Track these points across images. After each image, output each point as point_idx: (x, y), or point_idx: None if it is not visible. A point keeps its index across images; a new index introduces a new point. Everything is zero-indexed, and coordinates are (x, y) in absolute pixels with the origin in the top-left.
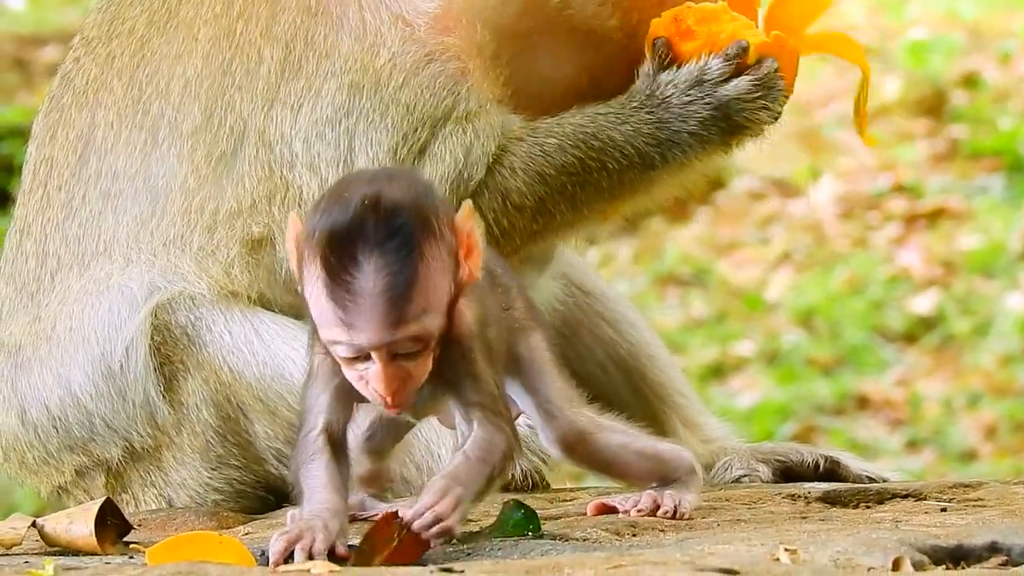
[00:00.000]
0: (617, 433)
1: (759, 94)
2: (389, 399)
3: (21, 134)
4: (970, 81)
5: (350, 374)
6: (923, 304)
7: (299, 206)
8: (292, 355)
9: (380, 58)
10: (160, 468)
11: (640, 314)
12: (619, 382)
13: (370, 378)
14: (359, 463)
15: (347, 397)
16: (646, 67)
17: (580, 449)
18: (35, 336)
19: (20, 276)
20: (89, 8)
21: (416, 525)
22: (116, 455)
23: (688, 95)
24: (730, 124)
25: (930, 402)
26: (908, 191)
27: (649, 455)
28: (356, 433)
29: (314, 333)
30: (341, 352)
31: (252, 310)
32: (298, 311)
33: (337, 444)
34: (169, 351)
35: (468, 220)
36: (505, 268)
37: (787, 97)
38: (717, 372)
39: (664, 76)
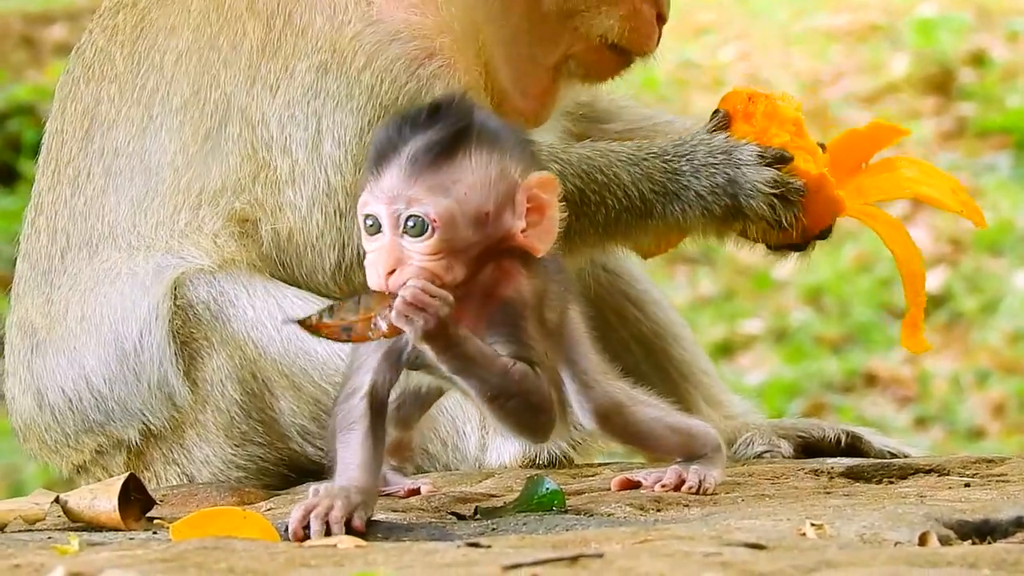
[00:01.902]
0: (650, 407)
1: (774, 193)
2: (382, 277)
3: (29, 112)
4: (978, 59)
5: (368, 254)
6: (931, 282)
7: (277, 188)
8: None
9: (345, 36)
10: (183, 446)
11: (663, 294)
12: (642, 360)
13: (375, 256)
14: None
15: (397, 360)
16: (699, 127)
17: (615, 420)
18: (49, 319)
19: (34, 253)
20: None
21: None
22: (134, 436)
23: (712, 158)
24: (735, 204)
25: (938, 380)
26: None
27: (680, 430)
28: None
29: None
30: (361, 221)
31: (275, 284)
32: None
33: (379, 409)
34: (192, 329)
35: (546, 187)
36: None
37: (798, 222)
38: (726, 350)
39: (702, 135)
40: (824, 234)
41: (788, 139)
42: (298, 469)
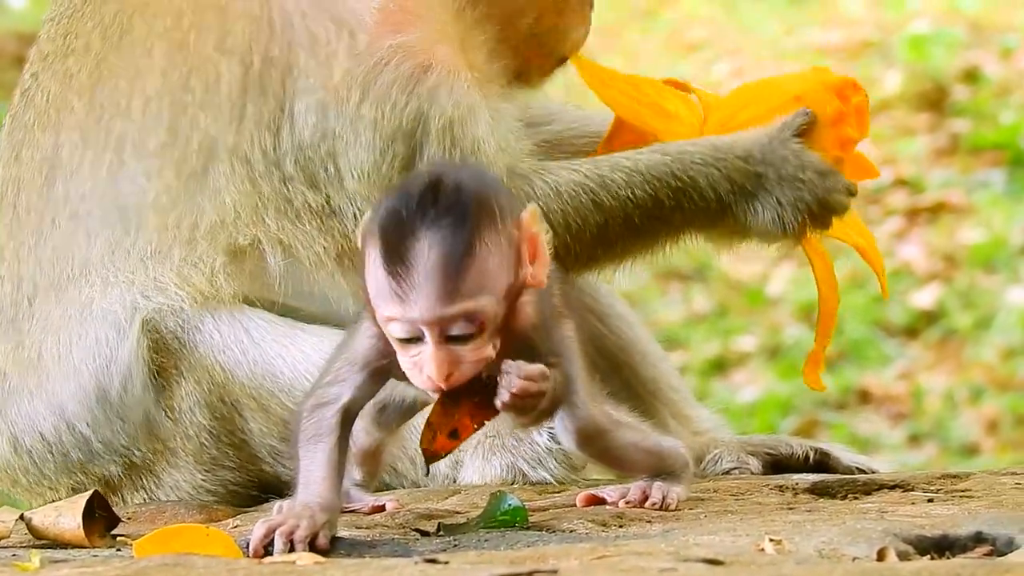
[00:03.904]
0: (630, 431)
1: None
2: (442, 384)
3: None
4: (971, 75)
5: (404, 361)
6: (925, 298)
7: (303, 220)
8: (282, 352)
9: (336, 74)
10: (152, 472)
11: (630, 308)
12: (609, 376)
13: (423, 362)
14: (365, 433)
15: (380, 380)
16: (781, 124)
17: (595, 444)
18: (20, 364)
19: None
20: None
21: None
22: (116, 471)
23: (802, 173)
24: (805, 224)
25: (932, 396)
26: (909, 185)
27: (653, 452)
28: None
29: (371, 316)
30: (396, 331)
31: (240, 309)
32: (287, 311)
33: (348, 423)
34: (162, 360)
35: (535, 222)
36: None
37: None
38: (719, 367)
39: (794, 144)
40: None
41: (857, 137)
42: (269, 490)
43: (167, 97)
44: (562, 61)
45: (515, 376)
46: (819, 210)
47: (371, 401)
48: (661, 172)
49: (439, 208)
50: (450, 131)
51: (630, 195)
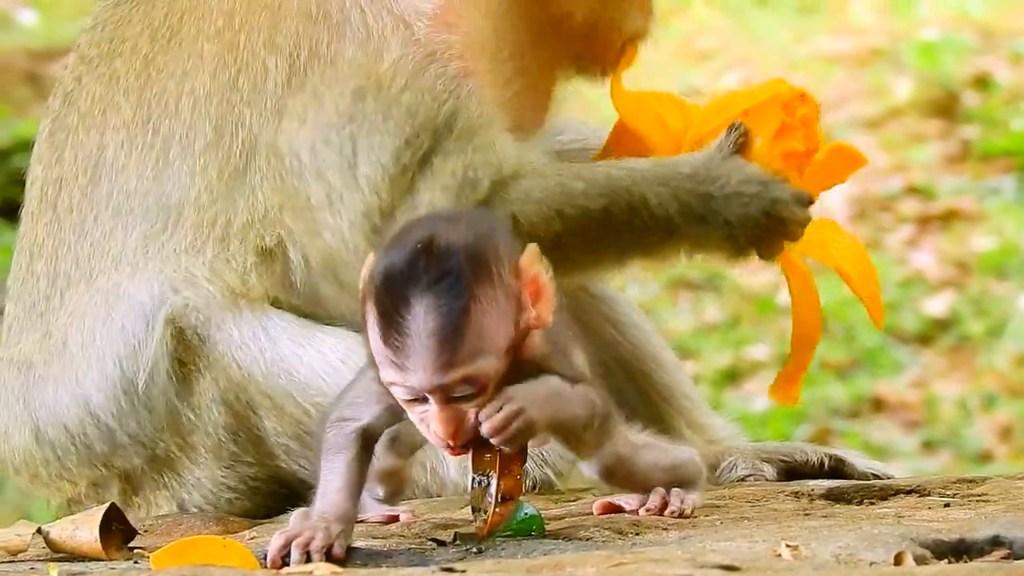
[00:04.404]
0: (648, 451)
1: (799, 228)
2: (449, 442)
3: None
4: (982, 82)
5: (412, 415)
6: (937, 306)
7: (310, 213)
8: (299, 352)
9: (384, 62)
10: (173, 470)
11: (645, 317)
12: (623, 385)
13: (429, 420)
14: (380, 458)
15: (398, 415)
16: (719, 141)
17: (619, 473)
18: (46, 352)
19: (29, 296)
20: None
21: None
22: (139, 464)
23: (746, 187)
24: (762, 237)
25: (945, 403)
26: (920, 193)
27: (671, 468)
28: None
29: (375, 374)
30: (399, 394)
31: (260, 307)
32: (308, 314)
33: (368, 442)
34: (183, 355)
35: (534, 263)
36: None
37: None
38: (731, 376)
39: (734, 161)
40: None
41: (801, 151)
42: (289, 486)
43: (216, 97)
44: (624, 52)
45: (483, 421)
46: (769, 222)
47: (390, 432)
48: (616, 185)
49: (431, 273)
50: (467, 133)
51: (587, 205)
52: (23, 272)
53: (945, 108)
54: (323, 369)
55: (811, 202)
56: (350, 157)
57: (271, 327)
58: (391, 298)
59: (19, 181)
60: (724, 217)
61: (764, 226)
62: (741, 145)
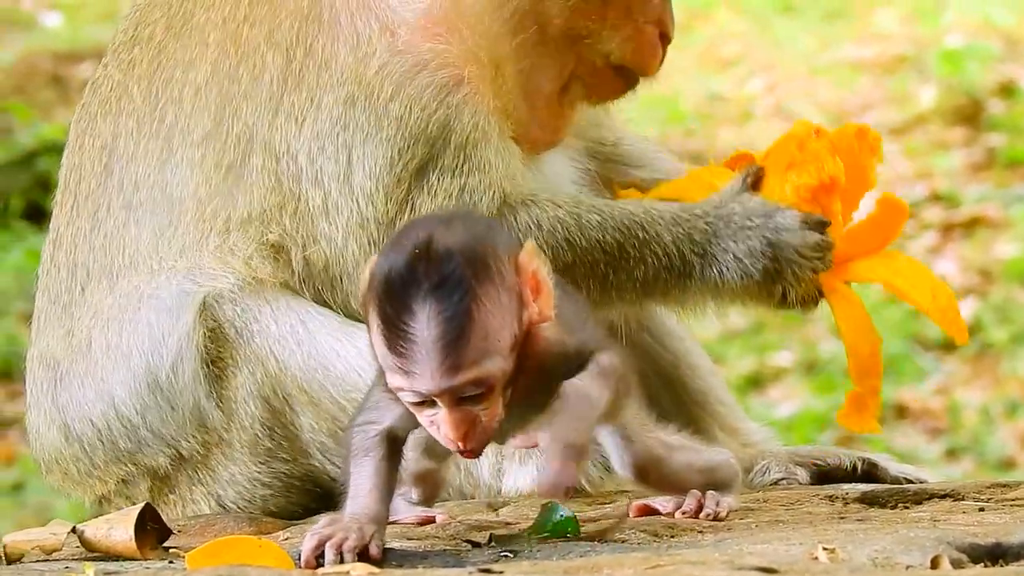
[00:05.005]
0: (682, 452)
1: (817, 257)
2: (460, 444)
3: (58, 150)
4: (1006, 89)
5: (422, 419)
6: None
7: (310, 220)
8: (336, 347)
9: (371, 69)
10: (208, 466)
11: (680, 322)
12: (660, 390)
13: (439, 423)
14: (415, 462)
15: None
16: (733, 181)
17: (653, 473)
18: (71, 351)
19: (53, 288)
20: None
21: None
22: (164, 463)
23: (749, 221)
24: (776, 268)
25: (968, 411)
26: (945, 200)
27: (706, 469)
28: (416, 433)
29: (383, 380)
30: (406, 398)
31: (298, 300)
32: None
33: (395, 444)
34: (218, 349)
35: (532, 259)
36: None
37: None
38: (755, 382)
39: (743, 197)
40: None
41: (814, 184)
42: (322, 485)
43: (216, 87)
44: (628, 78)
45: (540, 490)
46: (777, 252)
47: (420, 434)
48: (631, 222)
49: (432, 278)
50: (464, 149)
51: (600, 237)
52: (48, 263)
53: (969, 115)
54: (359, 364)
55: (824, 224)
56: (345, 166)
57: (310, 321)
58: (393, 306)
59: (44, 184)
60: (732, 252)
61: (774, 257)
62: (754, 183)
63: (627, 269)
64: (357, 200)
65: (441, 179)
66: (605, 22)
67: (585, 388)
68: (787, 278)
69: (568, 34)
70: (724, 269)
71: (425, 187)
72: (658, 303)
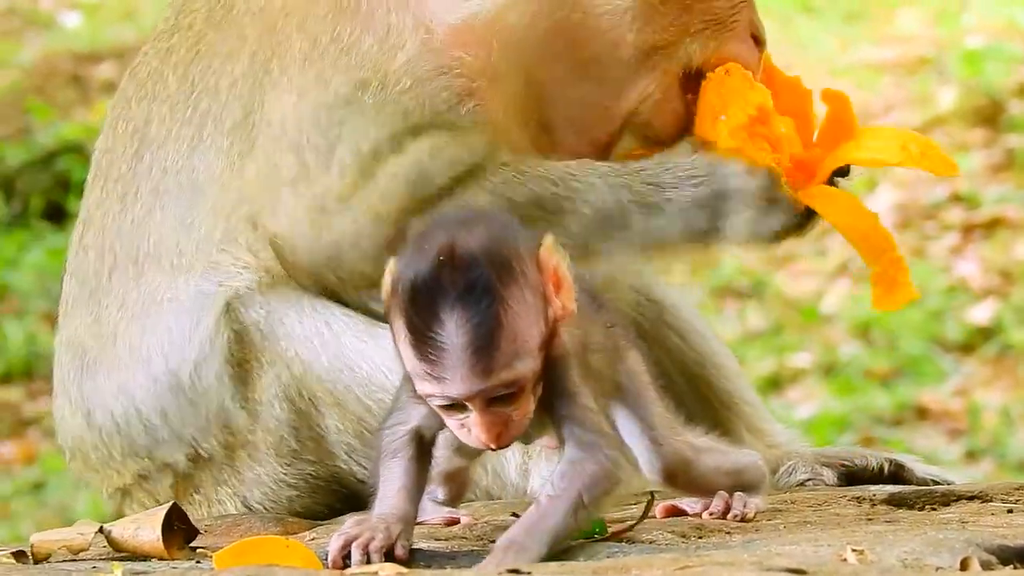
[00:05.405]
0: (710, 455)
1: (762, 205)
2: (493, 445)
3: (78, 150)
4: None
5: (451, 423)
6: (981, 314)
7: (277, 190)
8: (361, 348)
9: (396, 61)
10: (233, 467)
11: (707, 323)
12: (684, 390)
13: (470, 426)
14: (446, 460)
15: (442, 423)
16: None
17: (682, 477)
18: (97, 340)
19: (81, 270)
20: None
21: None
22: (182, 461)
23: (695, 169)
24: (720, 217)
25: (989, 412)
26: (965, 201)
27: (734, 471)
28: (446, 432)
29: (410, 386)
30: (436, 403)
31: (323, 302)
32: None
33: (424, 444)
34: (246, 350)
35: (552, 255)
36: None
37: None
38: (774, 384)
39: (686, 156)
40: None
41: (745, 121)
42: (349, 487)
43: (251, 78)
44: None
45: None
46: (720, 203)
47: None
48: (565, 174)
49: (458, 284)
50: (457, 166)
51: (538, 191)
52: (76, 245)
53: (990, 116)
54: (386, 365)
55: (772, 173)
56: (333, 140)
57: (335, 322)
58: (420, 315)
59: (64, 184)
60: (678, 204)
61: (718, 206)
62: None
63: (563, 223)
64: (331, 172)
65: (414, 146)
66: (687, 30)
67: (574, 471)
68: (731, 226)
69: (642, 49)
70: (669, 220)
71: (393, 160)
72: (602, 258)
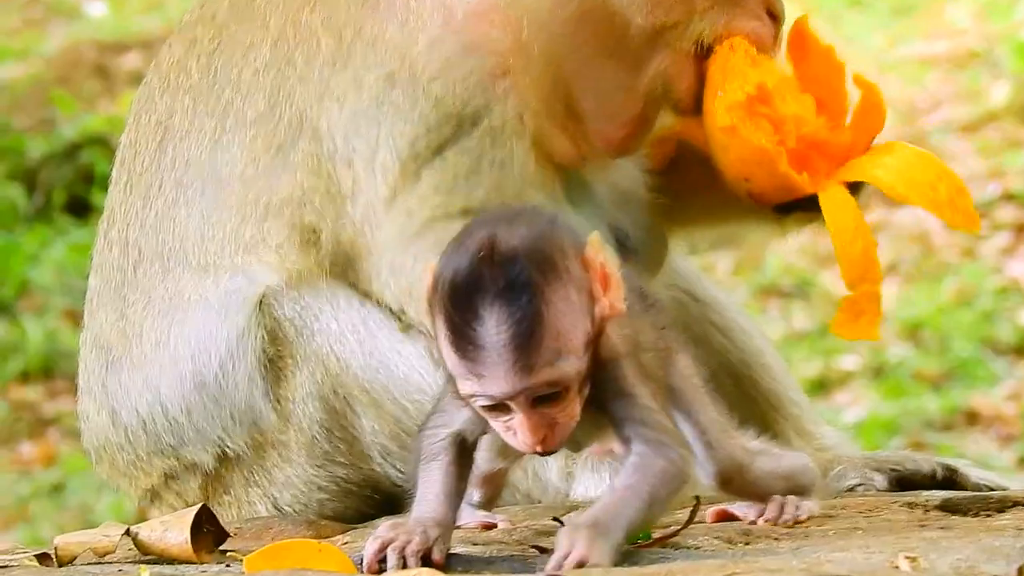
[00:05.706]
0: (763, 458)
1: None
2: (538, 448)
3: (102, 143)
4: None
5: (496, 425)
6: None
7: (341, 201)
8: (398, 347)
9: (418, 45)
10: (264, 467)
11: (753, 322)
12: (730, 391)
13: (516, 428)
14: (486, 462)
15: (486, 424)
16: None
17: (736, 481)
18: (123, 337)
19: (106, 266)
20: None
21: None
22: (208, 461)
23: None
24: None
25: None
26: (1017, 199)
27: (788, 475)
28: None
29: (453, 387)
30: (479, 403)
31: (359, 298)
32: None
33: (464, 448)
34: (279, 347)
35: (599, 252)
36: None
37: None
38: (821, 386)
39: None
40: (791, 207)
41: (742, 99)
42: (381, 491)
43: (273, 70)
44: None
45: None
46: None
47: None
48: None
49: (499, 281)
50: (490, 136)
51: None
52: (101, 241)
53: None
54: (422, 365)
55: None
56: (374, 145)
57: (370, 319)
58: (460, 312)
59: (87, 177)
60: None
61: None
62: None
63: None
64: (376, 178)
65: (457, 158)
66: (694, 8)
67: (646, 466)
68: None
69: (652, 25)
70: None
71: (439, 162)
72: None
